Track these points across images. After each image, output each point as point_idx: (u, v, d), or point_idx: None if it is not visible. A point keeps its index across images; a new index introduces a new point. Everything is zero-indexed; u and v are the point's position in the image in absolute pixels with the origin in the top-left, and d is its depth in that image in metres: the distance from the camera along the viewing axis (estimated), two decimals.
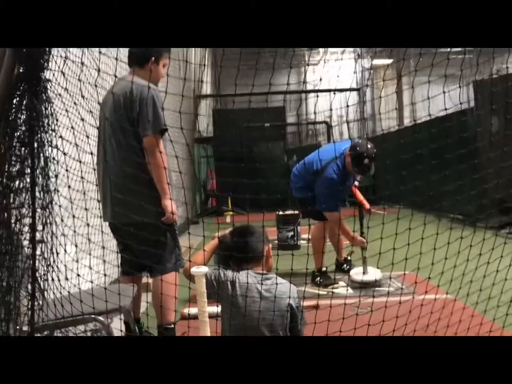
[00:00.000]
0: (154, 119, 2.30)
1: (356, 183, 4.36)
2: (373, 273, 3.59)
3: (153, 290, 2.49)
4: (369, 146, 3.73)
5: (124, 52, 1.90)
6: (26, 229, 1.66)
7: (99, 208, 1.75)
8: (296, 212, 5.53)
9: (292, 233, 5.57)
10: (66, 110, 1.70)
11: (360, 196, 4.09)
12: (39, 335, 1.72)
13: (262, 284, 1.84)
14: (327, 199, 3.73)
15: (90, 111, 1.71)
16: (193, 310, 2.93)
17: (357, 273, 3.83)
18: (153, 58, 2.44)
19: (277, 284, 1.85)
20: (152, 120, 2.29)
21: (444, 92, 1.94)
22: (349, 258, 4.37)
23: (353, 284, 3.75)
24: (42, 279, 1.72)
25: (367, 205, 3.99)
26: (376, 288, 3.23)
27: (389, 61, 12.23)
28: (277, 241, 5.54)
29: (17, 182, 1.63)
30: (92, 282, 1.80)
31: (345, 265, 4.38)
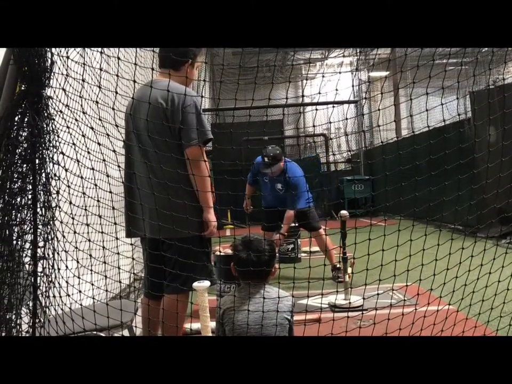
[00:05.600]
0: (199, 128, 2.16)
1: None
2: (354, 298, 3.52)
3: (167, 307, 2.13)
4: (270, 149, 4.37)
5: (124, 68, 1.91)
6: (27, 245, 1.66)
7: (100, 224, 1.75)
8: (297, 224, 5.53)
9: (292, 246, 5.56)
10: (68, 127, 1.71)
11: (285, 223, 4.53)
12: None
13: (264, 297, 1.83)
14: None
15: (92, 127, 1.71)
16: (195, 325, 2.92)
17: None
18: (190, 61, 2.31)
19: (279, 297, 1.84)
20: (197, 129, 2.14)
21: (442, 104, 1.96)
22: (338, 266, 4.40)
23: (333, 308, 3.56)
24: (44, 296, 1.71)
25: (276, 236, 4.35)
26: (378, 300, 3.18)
27: (386, 73, 12.33)
28: (277, 254, 5.52)
29: (18, 199, 1.64)
30: (93, 298, 1.79)
31: (334, 272, 4.53)
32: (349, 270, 3.74)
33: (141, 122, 2.21)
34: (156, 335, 2.34)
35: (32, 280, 1.68)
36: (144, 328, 2.38)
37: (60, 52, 1.68)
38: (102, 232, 1.77)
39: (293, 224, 5.60)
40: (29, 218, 1.65)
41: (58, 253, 1.73)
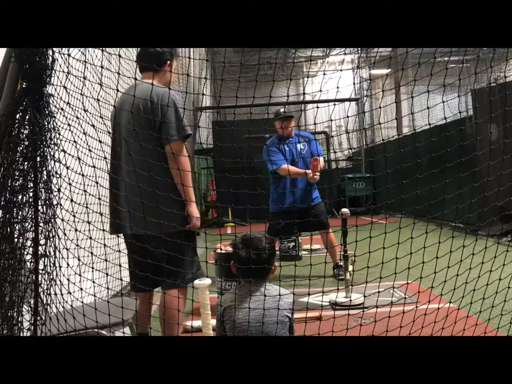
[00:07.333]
0: (178, 124, 2.24)
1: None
2: (354, 296, 3.52)
3: (164, 303, 2.27)
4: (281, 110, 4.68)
5: (125, 66, 1.91)
6: (29, 243, 1.67)
7: (101, 221, 1.75)
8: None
9: (293, 243, 5.55)
10: (69, 124, 1.71)
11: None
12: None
13: (265, 295, 1.83)
14: None
15: (93, 125, 1.71)
16: (196, 323, 2.92)
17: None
18: (169, 62, 2.40)
19: (280, 295, 1.84)
20: (177, 125, 2.23)
21: (443, 101, 1.95)
22: (340, 263, 4.40)
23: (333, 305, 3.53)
24: (45, 294, 1.71)
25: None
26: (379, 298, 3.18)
27: (387, 71, 12.32)
28: (278, 252, 5.53)
29: (20, 197, 1.64)
30: (94, 295, 1.79)
31: (336, 270, 4.52)
32: (350, 267, 3.74)
33: (125, 119, 2.29)
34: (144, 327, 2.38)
35: (34, 278, 1.68)
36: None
37: (61, 49, 1.68)
38: (103, 230, 1.77)
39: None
40: (30, 216, 1.66)
41: (59, 251, 1.74)
